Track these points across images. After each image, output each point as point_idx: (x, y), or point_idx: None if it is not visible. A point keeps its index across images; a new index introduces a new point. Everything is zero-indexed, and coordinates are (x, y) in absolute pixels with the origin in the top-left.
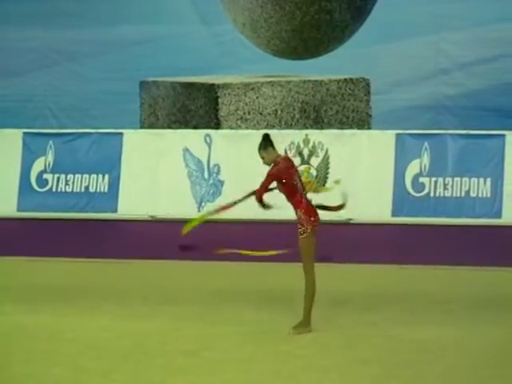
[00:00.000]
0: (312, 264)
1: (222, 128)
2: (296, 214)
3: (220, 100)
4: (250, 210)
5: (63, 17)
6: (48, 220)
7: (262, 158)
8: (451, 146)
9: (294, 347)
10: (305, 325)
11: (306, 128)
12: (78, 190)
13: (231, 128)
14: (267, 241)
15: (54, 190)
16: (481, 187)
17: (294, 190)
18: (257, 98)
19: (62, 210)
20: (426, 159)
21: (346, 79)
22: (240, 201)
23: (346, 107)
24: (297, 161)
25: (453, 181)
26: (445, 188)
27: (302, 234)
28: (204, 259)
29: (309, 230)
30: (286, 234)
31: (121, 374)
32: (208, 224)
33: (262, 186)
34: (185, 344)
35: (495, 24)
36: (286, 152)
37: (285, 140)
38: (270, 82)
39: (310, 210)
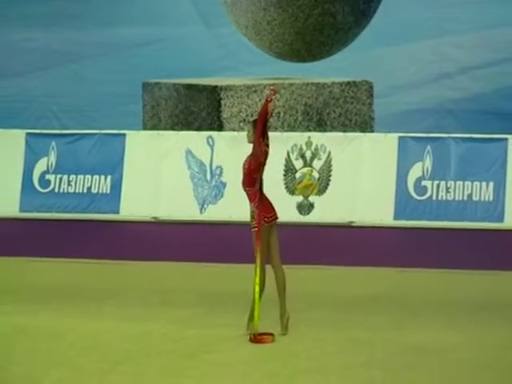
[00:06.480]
0: (261, 257)
1: (225, 130)
2: (250, 206)
3: (223, 102)
4: None
5: (66, 18)
6: (50, 221)
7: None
8: (454, 149)
9: (294, 350)
10: (284, 315)
11: (309, 130)
12: (81, 191)
13: (234, 130)
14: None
15: (56, 190)
16: (483, 191)
17: (254, 180)
18: (259, 100)
19: (64, 211)
20: (428, 162)
21: (348, 82)
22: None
23: (349, 110)
24: (299, 163)
25: (455, 184)
26: (447, 191)
27: (253, 228)
28: (205, 261)
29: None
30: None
31: (120, 376)
32: None
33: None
34: (185, 346)
35: (498, 28)
36: (288, 154)
37: (287, 142)
38: (273, 84)
39: (266, 206)
